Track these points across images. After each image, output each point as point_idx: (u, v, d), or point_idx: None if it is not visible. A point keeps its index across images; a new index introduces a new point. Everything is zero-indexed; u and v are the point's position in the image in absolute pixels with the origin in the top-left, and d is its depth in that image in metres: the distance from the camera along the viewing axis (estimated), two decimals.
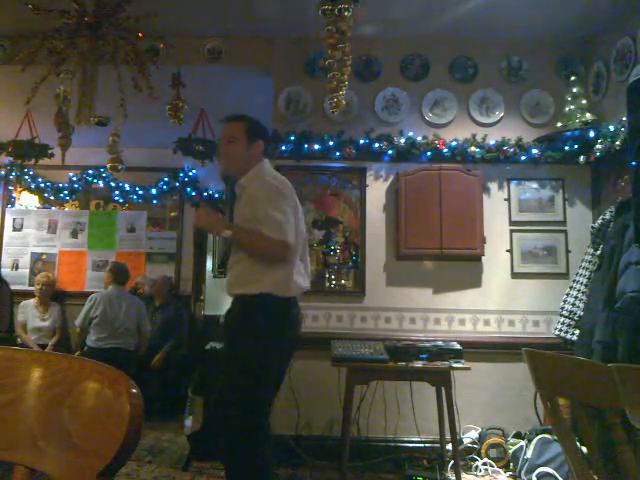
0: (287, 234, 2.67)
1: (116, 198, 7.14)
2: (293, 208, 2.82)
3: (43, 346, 6.05)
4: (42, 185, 7.07)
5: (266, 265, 2.76)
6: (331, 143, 4.61)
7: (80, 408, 0.81)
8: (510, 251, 4.63)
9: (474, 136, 4.64)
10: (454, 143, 4.61)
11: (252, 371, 2.69)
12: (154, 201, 7.08)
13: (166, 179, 6.99)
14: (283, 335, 2.79)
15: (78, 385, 0.82)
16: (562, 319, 4.00)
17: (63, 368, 0.86)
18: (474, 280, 4.61)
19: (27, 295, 6.44)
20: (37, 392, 0.86)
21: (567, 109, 4.45)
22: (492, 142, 4.61)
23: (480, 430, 4.33)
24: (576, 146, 4.49)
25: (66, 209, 7.32)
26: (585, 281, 3.91)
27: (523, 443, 4.05)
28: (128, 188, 7.02)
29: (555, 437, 3.66)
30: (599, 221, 3.80)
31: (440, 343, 3.97)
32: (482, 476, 4.03)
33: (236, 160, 2.94)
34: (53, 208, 7.32)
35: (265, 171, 2.92)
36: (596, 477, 1.63)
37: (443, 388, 3.80)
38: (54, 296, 6.50)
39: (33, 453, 0.83)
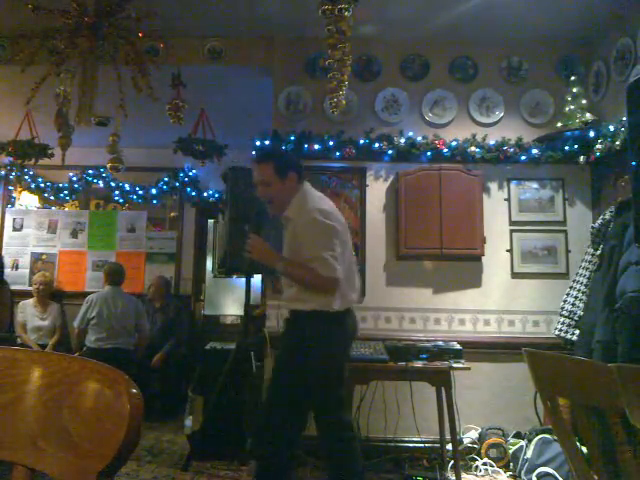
0: (337, 271, 2.82)
1: (116, 198, 7.14)
2: (341, 237, 2.96)
3: (43, 346, 6.04)
4: (42, 185, 7.07)
5: None
6: (331, 143, 4.61)
7: (80, 408, 0.81)
8: (510, 251, 4.63)
9: (474, 136, 4.63)
10: (454, 143, 4.61)
11: (328, 377, 2.96)
12: (154, 201, 7.08)
13: (166, 179, 6.99)
14: (338, 342, 2.99)
15: (78, 385, 0.82)
16: (562, 319, 4.00)
17: (63, 368, 0.86)
18: (474, 280, 4.61)
19: (27, 295, 6.43)
20: (37, 392, 0.86)
21: (567, 109, 4.45)
22: (492, 142, 4.61)
23: (480, 430, 4.33)
24: (576, 146, 4.49)
25: (66, 209, 7.32)
26: (585, 281, 3.91)
27: (523, 443, 4.05)
28: (128, 188, 7.02)
29: (555, 437, 3.66)
30: (599, 221, 3.80)
31: (440, 343, 3.97)
32: (482, 476, 4.03)
33: (275, 199, 3.03)
34: (53, 208, 7.33)
35: (309, 201, 2.99)
36: (596, 477, 1.63)
37: (443, 388, 3.80)
38: (54, 296, 6.49)
39: (33, 453, 0.83)
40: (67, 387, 0.83)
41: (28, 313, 6.20)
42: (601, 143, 4.19)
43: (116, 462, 0.76)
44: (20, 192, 7.20)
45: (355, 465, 2.92)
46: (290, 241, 2.99)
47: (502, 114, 4.73)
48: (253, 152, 4.69)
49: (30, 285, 6.62)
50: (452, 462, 3.92)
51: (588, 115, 4.37)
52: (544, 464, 3.73)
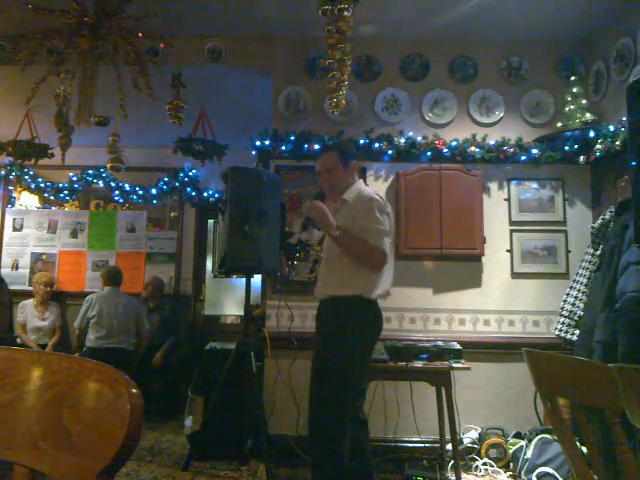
0: (384, 244, 3.02)
1: (116, 198, 7.13)
2: (388, 221, 3.14)
3: (43, 346, 6.05)
4: (42, 185, 7.06)
5: (356, 269, 3.07)
6: (331, 143, 4.61)
7: (80, 408, 0.81)
8: (510, 251, 4.63)
9: (474, 136, 4.63)
10: (454, 143, 4.61)
11: (352, 369, 3.06)
12: (154, 201, 7.08)
13: (166, 179, 6.98)
14: (372, 332, 3.17)
15: (78, 385, 0.82)
16: (562, 319, 4.00)
17: (63, 368, 0.86)
18: (474, 280, 4.61)
19: (27, 295, 6.44)
20: (37, 392, 0.86)
21: (567, 109, 4.45)
22: (492, 142, 4.61)
23: (480, 430, 4.33)
24: (576, 146, 4.49)
25: (66, 209, 7.31)
26: (585, 281, 3.91)
27: (523, 443, 4.05)
28: (128, 188, 7.02)
29: (555, 437, 3.67)
30: (599, 221, 3.79)
31: (440, 343, 3.97)
32: (482, 476, 4.03)
33: (337, 185, 3.25)
34: (53, 208, 7.32)
35: (368, 190, 3.27)
36: (596, 477, 1.63)
37: (443, 388, 3.80)
38: (53, 296, 6.49)
39: (33, 453, 0.83)
40: (67, 387, 0.83)
41: (28, 313, 6.21)
42: (601, 143, 4.19)
43: (116, 462, 0.76)
44: (20, 192, 7.20)
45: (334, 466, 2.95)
46: (344, 222, 3.10)
47: (502, 114, 4.73)
48: (253, 152, 4.70)
49: (30, 285, 6.63)
50: (452, 462, 3.92)
51: (588, 115, 4.37)
52: (544, 464, 3.73)
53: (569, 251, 4.60)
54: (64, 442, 0.81)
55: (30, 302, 6.29)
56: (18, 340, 6.06)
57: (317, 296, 3.25)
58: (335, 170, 3.23)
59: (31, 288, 6.50)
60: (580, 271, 3.99)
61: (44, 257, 7.01)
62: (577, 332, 3.85)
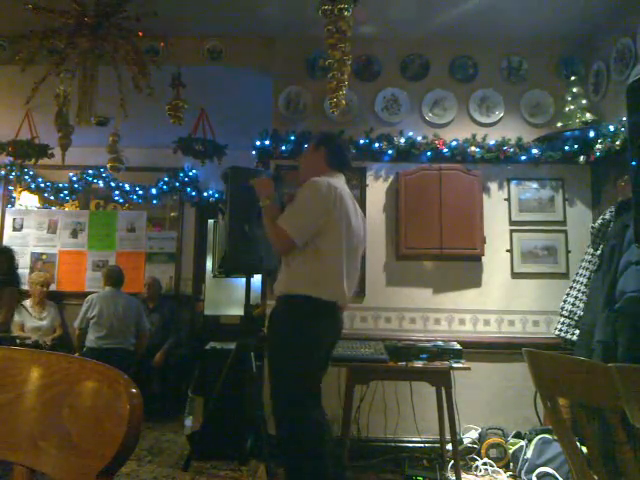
0: (296, 228, 2.85)
1: (116, 198, 7.13)
2: (334, 215, 2.90)
3: (43, 346, 6.04)
4: (42, 185, 7.06)
5: (306, 268, 2.90)
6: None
7: (80, 408, 0.81)
8: (510, 251, 4.63)
9: (474, 136, 4.63)
10: (454, 143, 4.61)
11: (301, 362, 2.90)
12: (154, 201, 7.08)
13: (166, 179, 6.99)
14: (321, 331, 2.97)
15: (77, 385, 0.82)
16: (562, 319, 4.00)
17: (63, 368, 0.86)
18: (474, 280, 4.61)
19: (27, 295, 6.43)
20: (37, 392, 0.86)
21: (567, 109, 4.45)
22: (492, 142, 4.61)
23: (480, 430, 4.33)
24: (576, 146, 4.49)
25: (66, 209, 7.31)
26: (585, 281, 3.91)
27: (523, 443, 4.05)
28: (128, 188, 7.02)
29: (555, 437, 3.66)
30: (599, 221, 3.79)
31: (440, 343, 3.97)
32: (482, 476, 4.03)
33: (301, 171, 3.25)
34: (53, 208, 7.31)
35: (324, 178, 3.02)
36: (596, 477, 1.63)
37: (443, 388, 3.79)
38: (53, 296, 6.49)
39: (33, 453, 0.83)
40: (67, 387, 0.83)
41: (25, 314, 6.21)
42: (601, 143, 4.19)
43: (116, 462, 0.76)
44: (20, 192, 7.19)
45: (316, 464, 2.78)
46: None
47: (502, 114, 4.73)
48: (253, 152, 4.70)
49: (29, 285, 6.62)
50: (452, 462, 3.91)
51: (588, 115, 4.37)
52: (544, 464, 3.73)
53: (569, 251, 4.60)
54: (64, 442, 0.81)
55: (27, 302, 6.29)
56: (17, 340, 6.05)
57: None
58: (306, 152, 3.28)
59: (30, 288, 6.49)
60: (580, 271, 3.99)
61: (44, 257, 7.01)
62: (577, 332, 3.85)
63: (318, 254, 2.88)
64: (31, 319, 6.19)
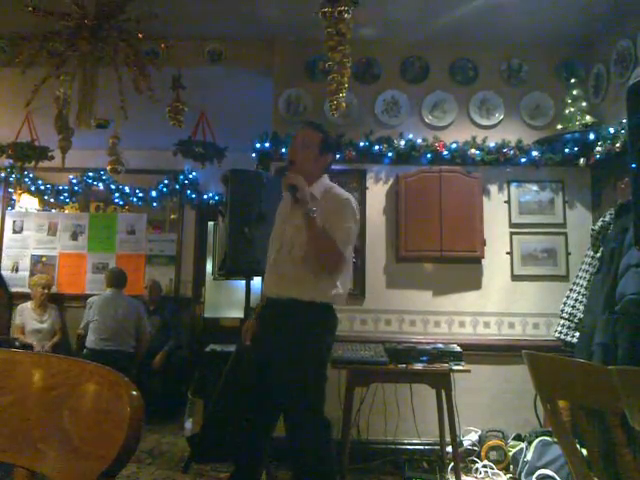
0: (347, 249, 2.80)
1: (116, 200, 7.13)
2: (355, 228, 2.92)
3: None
4: (42, 187, 7.07)
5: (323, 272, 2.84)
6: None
7: (80, 410, 0.81)
8: (510, 253, 4.63)
9: (474, 138, 4.63)
10: (454, 145, 4.61)
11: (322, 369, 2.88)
12: (154, 203, 7.07)
13: (166, 181, 6.99)
14: (332, 333, 2.97)
15: (78, 387, 0.82)
16: (562, 321, 4.00)
17: (63, 370, 0.86)
18: (474, 282, 4.61)
19: (27, 297, 6.43)
20: (38, 394, 0.86)
21: (567, 111, 4.45)
22: (492, 144, 4.61)
23: (480, 432, 4.32)
24: (576, 148, 4.49)
25: (66, 211, 7.32)
26: (585, 283, 3.91)
27: (523, 445, 4.04)
28: (128, 190, 7.02)
29: (555, 439, 3.66)
30: (599, 223, 3.79)
31: (440, 345, 3.97)
32: (482, 478, 4.03)
33: (300, 165, 2.91)
34: (53, 210, 7.32)
35: (340, 190, 2.98)
36: (596, 479, 1.63)
37: (443, 390, 3.80)
38: (53, 298, 6.49)
39: (33, 455, 0.83)
40: (67, 389, 0.83)
41: (26, 316, 6.20)
42: (601, 145, 4.19)
43: (116, 464, 0.76)
44: (20, 194, 7.19)
45: (333, 469, 2.83)
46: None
47: (502, 116, 4.73)
48: (253, 154, 4.69)
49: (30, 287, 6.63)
50: (452, 464, 3.92)
51: (588, 117, 4.37)
52: (544, 466, 3.72)
53: (569, 253, 4.60)
54: (64, 444, 0.81)
55: (28, 305, 6.28)
56: (17, 343, 6.05)
57: (270, 294, 2.95)
58: (311, 150, 2.94)
59: (31, 291, 6.49)
60: (580, 273, 3.99)
61: (44, 259, 7.01)
62: (577, 334, 3.85)
63: (347, 265, 2.90)
64: (32, 321, 6.19)
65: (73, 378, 0.84)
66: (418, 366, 3.75)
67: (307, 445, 2.79)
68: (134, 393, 0.79)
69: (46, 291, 6.34)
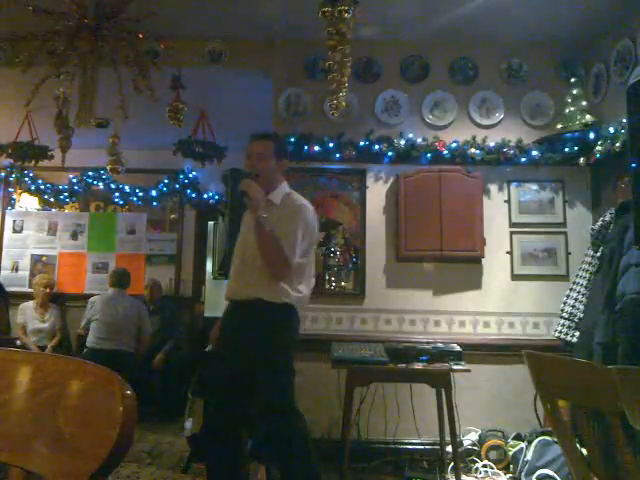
0: (294, 259, 2.90)
1: (116, 200, 7.12)
2: (313, 238, 3.11)
3: (43, 348, 6.04)
4: (42, 187, 7.05)
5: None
6: (331, 145, 4.61)
7: (73, 409, 0.81)
8: (510, 253, 4.63)
9: (474, 138, 4.63)
10: (454, 145, 4.61)
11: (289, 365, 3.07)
12: (154, 203, 7.07)
13: (166, 181, 6.98)
14: (296, 332, 3.17)
15: (72, 386, 0.82)
16: (562, 321, 3.99)
17: (58, 369, 0.86)
18: (474, 282, 4.61)
19: (26, 297, 6.43)
20: (32, 393, 0.86)
21: (567, 111, 4.45)
22: (492, 144, 4.61)
23: (480, 432, 4.32)
24: (576, 148, 4.48)
25: (66, 211, 7.31)
26: (585, 283, 3.90)
27: (523, 445, 4.04)
28: (128, 190, 7.01)
29: (555, 439, 3.66)
30: (599, 223, 3.79)
31: (440, 345, 3.97)
32: (482, 478, 4.02)
33: (263, 175, 3.05)
34: (53, 210, 7.31)
35: (298, 196, 3.15)
36: (596, 479, 1.62)
37: (443, 390, 3.80)
38: (54, 298, 6.49)
39: (28, 454, 0.83)
40: (61, 388, 0.83)
41: (28, 315, 6.21)
42: (601, 145, 4.19)
43: (109, 463, 0.75)
44: (20, 194, 7.19)
45: (312, 461, 2.93)
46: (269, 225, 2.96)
47: (502, 116, 4.73)
48: None
49: (30, 287, 6.63)
50: (452, 464, 3.91)
51: (588, 117, 4.36)
52: (544, 466, 3.72)
53: (569, 253, 4.60)
54: (58, 443, 0.80)
55: (30, 304, 6.29)
56: (18, 342, 6.05)
57: (234, 297, 3.09)
58: (268, 159, 3.07)
59: (31, 290, 6.50)
60: (580, 273, 3.98)
61: (44, 259, 7.01)
62: (577, 334, 3.84)
63: (302, 269, 3.04)
64: (34, 321, 6.19)
65: (67, 377, 0.83)
66: (418, 366, 3.75)
67: (282, 440, 2.92)
68: (128, 392, 0.78)
69: (48, 290, 6.34)
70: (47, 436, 0.82)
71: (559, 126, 4.50)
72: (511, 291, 4.60)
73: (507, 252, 4.63)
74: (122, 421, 0.75)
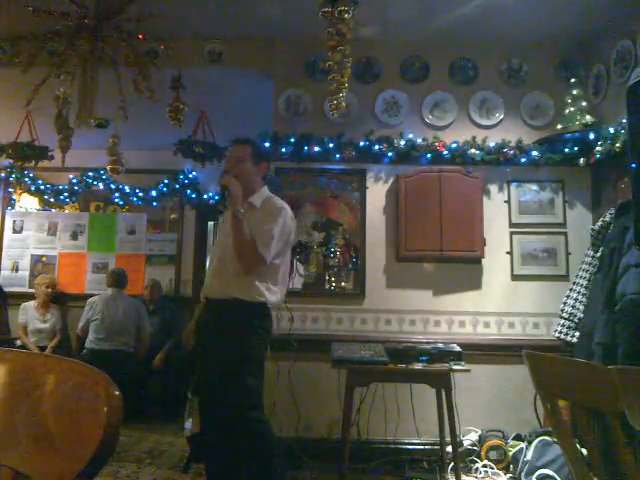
0: (268, 254, 3.02)
1: (116, 200, 7.12)
2: (289, 241, 3.22)
3: (43, 348, 6.05)
4: (42, 187, 7.05)
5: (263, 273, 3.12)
6: (331, 145, 4.60)
7: (61, 409, 0.80)
8: (510, 253, 4.63)
9: (474, 138, 4.63)
10: (454, 145, 4.61)
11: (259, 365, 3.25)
12: (154, 203, 7.06)
13: (166, 181, 6.97)
14: (268, 332, 3.24)
15: (60, 387, 0.82)
16: (562, 321, 3.99)
17: (48, 369, 0.85)
18: (474, 282, 4.61)
19: (27, 297, 6.43)
20: (22, 393, 0.86)
21: (567, 111, 4.45)
22: (492, 144, 4.61)
23: (480, 432, 4.32)
24: (576, 148, 4.48)
25: (66, 211, 7.31)
26: (585, 283, 3.90)
27: (523, 445, 4.04)
28: (128, 190, 7.00)
29: (555, 439, 3.66)
30: (599, 223, 3.79)
31: (440, 345, 3.97)
32: (482, 478, 4.02)
33: (241, 178, 3.17)
34: (53, 210, 7.31)
35: (278, 200, 3.26)
36: (596, 479, 1.62)
37: (443, 390, 3.79)
38: (54, 298, 6.49)
39: (16, 454, 0.82)
40: (50, 388, 0.83)
41: (29, 315, 6.21)
42: (601, 145, 4.19)
43: (94, 464, 0.75)
44: (20, 194, 7.19)
45: (274, 462, 3.01)
46: (249, 227, 3.06)
47: (502, 116, 4.73)
48: None
49: (30, 287, 6.63)
50: (452, 464, 3.91)
51: (588, 117, 4.36)
52: (544, 466, 3.72)
53: (569, 253, 4.60)
54: (45, 443, 0.80)
55: (31, 304, 6.29)
56: (18, 342, 6.05)
57: (211, 295, 3.20)
58: (246, 163, 3.24)
59: (31, 290, 6.50)
60: (580, 273, 3.98)
61: (44, 259, 7.01)
62: (577, 334, 3.84)
63: (276, 270, 3.17)
64: (34, 321, 6.20)
65: (56, 377, 0.83)
66: (418, 366, 3.74)
67: (244, 441, 3.02)
68: (114, 393, 0.78)
69: (50, 290, 6.34)
70: (35, 436, 0.82)
71: (559, 126, 4.51)
72: (511, 291, 4.60)
73: (507, 252, 4.63)
74: (106, 422, 0.75)
